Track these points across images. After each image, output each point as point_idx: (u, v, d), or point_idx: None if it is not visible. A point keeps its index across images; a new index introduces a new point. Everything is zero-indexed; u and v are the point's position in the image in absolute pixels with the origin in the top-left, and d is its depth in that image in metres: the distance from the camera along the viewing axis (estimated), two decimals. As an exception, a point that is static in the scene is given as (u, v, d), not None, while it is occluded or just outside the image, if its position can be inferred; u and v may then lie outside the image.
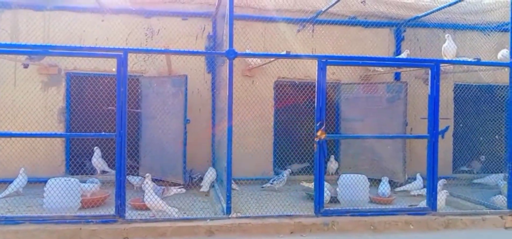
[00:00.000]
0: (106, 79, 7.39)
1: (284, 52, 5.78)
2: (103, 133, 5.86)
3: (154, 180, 6.79)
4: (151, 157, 7.56)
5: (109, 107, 6.86)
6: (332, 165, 8.19)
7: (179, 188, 6.35)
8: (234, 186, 7.31)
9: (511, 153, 5.99)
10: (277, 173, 8.21)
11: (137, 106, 7.71)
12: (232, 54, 5.23)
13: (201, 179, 7.34)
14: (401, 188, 7.38)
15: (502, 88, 6.72)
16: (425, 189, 6.12)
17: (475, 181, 7.89)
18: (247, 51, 7.08)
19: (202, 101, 7.96)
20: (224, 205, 5.52)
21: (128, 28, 7.74)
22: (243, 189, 7.50)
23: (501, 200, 6.24)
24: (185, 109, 7.08)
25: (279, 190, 7.40)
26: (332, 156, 8.27)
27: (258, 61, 7.51)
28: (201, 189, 7.08)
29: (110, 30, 7.64)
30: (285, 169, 7.74)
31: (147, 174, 5.76)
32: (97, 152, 7.38)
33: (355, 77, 8.41)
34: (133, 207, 6.00)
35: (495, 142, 7.89)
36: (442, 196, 6.04)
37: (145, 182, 6.48)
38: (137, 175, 7.45)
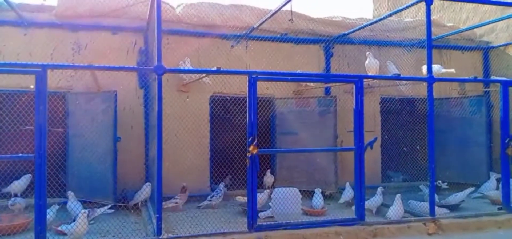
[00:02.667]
0: (30, 96, 6.95)
1: (214, 68, 5.77)
2: (21, 154, 5.44)
3: (82, 201, 6.51)
4: (79, 177, 7.19)
5: (27, 127, 6.44)
6: (268, 179, 8.28)
7: (108, 208, 6.08)
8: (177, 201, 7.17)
9: (432, 162, 6.38)
10: (213, 189, 8.15)
11: (63, 125, 7.32)
12: (160, 70, 5.13)
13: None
14: (340, 201, 7.58)
15: (423, 101, 7.17)
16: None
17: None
18: (183, 67, 7.04)
19: (135, 118, 7.72)
20: (155, 226, 5.35)
21: (53, 43, 7.37)
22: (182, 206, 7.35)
23: (424, 207, 6.61)
24: (115, 127, 6.85)
25: (217, 206, 7.31)
26: (268, 170, 8.37)
27: (192, 76, 7.46)
28: (130, 202, 6.84)
29: (33, 45, 7.24)
30: (225, 184, 7.69)
31: (70, 193, 5.47)
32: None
33: (289, 92, 8.60)
34: (58, 233, 5.62)
35: (417, 152, 8.39)
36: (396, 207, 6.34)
37: (68, 204, 6.20)
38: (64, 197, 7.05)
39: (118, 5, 7.62)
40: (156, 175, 5.36)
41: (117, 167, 6.94)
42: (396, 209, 6.35)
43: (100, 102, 6.99)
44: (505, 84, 6.77)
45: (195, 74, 7.26)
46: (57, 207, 5.99)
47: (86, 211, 5.44)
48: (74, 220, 5.36)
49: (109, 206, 6.33)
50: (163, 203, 5.84)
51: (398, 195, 6.47)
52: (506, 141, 6.62)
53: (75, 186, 7.03)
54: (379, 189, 6.99)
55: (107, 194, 6.91)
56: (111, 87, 7.23)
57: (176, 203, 7.03)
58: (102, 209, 5.99)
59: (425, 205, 6.57)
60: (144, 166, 7.72)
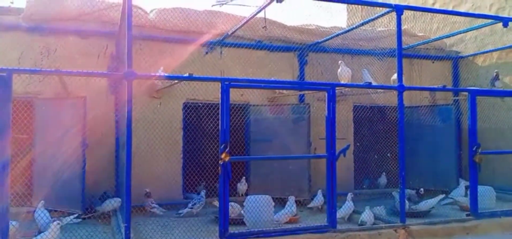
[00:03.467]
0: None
1: (187, 74, 5.71)
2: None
3: (49, 210, 6.29)
4: (46, 186, 6.94)
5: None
6: (243, 186, 8.22)
7: (74, 217, 5.90)
8: (157, 211, 7.03)
9: (402, 169, 6.47)
10: (186, 197, 8.04)
11: (29, 131, 7.09)
12: (130, 76, 5.03)
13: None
14: (309, 206, 7.62)
15: (394, 109, 7.27)
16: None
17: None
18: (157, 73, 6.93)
19: (105, 124, 7.54)
20: (124, 236, 5.21)
21: (21, 47, 7.16)
22: (153, 215, 7.20)
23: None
24: (84, 133, 6.67)
25: (199, 214, 7.18)
26: (244, 177, 8.31)
27: (165, 82, 7.35)
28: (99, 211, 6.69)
29: (-1, 48, 7.01)
30: (198, 192, 7.58)
31: (41, 202, 5.28)
32: None
33: (263, 99, 8.59)
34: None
35: (388, 159, 8.51)
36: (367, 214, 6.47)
37: (36, 214, 5.99)
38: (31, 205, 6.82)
39: (88, 9, 7.46)
40: (125, 183, 5.23)
41: (86, 175, 6.76)
42: (368, 215, 6.44)
43: (68, 108, 6.81)
44: (473, 93, 6.95)
45: (168, 81, 7.15)
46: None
47: (59, 221, 5.27)
48: (39, 232, 5.19)
49: (76, 215, 6.14)
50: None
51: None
52: (474, 149, 6.77)
53: (42, 194, 6.80)
54: (349, 195, 7.05)
55: (75, 202, 6.71)
56: (81, 93, 7.06)
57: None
58: (68, 218, 5.80)
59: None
60: (115, 173, 7.54)
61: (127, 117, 5.06)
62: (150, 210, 7.05)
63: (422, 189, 8.08)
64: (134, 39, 7.42)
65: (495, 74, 8.83)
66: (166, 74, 6.80)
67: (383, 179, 9.13)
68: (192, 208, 7.12)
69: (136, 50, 7.57)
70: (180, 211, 7.12)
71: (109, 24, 7.56)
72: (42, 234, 5.05)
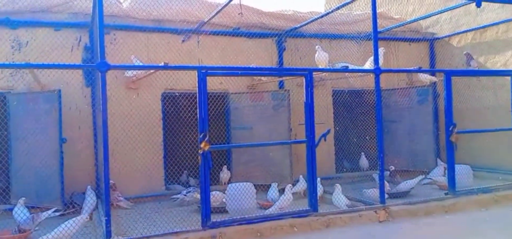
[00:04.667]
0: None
1: (162, 64, 5.61)
2: None
3: (29, 207, 6.17)
4: (24, 182, 6.81)
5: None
6: (225, 174, 8.21)
7: (53, 211, 5.79)
8: (124, 204, 6.96)
9: (381, 151, 6.54)
10: (169, 188, 8.00)
11: (3, 128, 6.91)
12: (104, 67, 4.91)
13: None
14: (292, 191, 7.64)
15: (373, 92, 7.33)
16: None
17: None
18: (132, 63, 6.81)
19: (82, 118, 7.42)
20: (104, 229, 5.15)
21: (-10, 40, 6.94)
22: (134, 207, 7.13)
23: (374, 193, 6.78)
24: (60, 127, 6.54)
25: (189, 203, 7.12)
26: (225, 166, 8.29)
27: (140, 72, 7.24)
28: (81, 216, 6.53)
29: (-33, 42, 6.78)
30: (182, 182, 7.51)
31: (22, 199, 5.16)
32: None
33: (243, 86, 8.55)
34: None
35: (366, 142, 8.60)
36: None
37: (14, 211, 5.87)
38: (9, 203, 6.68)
39: (59, 0, 7.25)
40: (103, 176, 5.15)
41: (64, 170, 6.65)
42: (338, 197, 6.66)
43: (43, 102, 6.65)
44: (448, 74, 7.04)
45: (142, 71, 7.04)
46: None
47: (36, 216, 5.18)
48: (18, 228, 5.11)
49: (55, 209, 6.02)
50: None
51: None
52: (450, 129, 6.87)
53: (21, 192, 6.65)
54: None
55: (54, 198, 6.61)
56: (56, 86, 6.90)
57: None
58: (47, 213, 5.69)
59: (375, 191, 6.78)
60: (94, 167, 7.43)
61: (102, 110, 4.96)
62: (116, 204, 6.91)
63: (392, 167, 8.18)
64: (108, 29, 7.36)
65: (465, 56, 8.99)
66: (140, 64, 6.68)
67: (364, 162, 9.24)
68: (185, 195, 7.11)
69: (110, 40, 7.44)
70: (173, 197, 7.20)
71: (82, 15, 7.38)
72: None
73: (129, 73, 7.33)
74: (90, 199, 6.64)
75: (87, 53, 7.42)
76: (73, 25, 7.34)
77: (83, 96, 7.43)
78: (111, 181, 6.91)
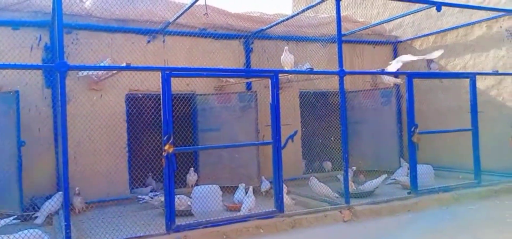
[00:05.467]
0: None
1: (124, 64, 5.49)
2: None
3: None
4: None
5: None
6: (192, 177, 8.12)
7: (13, 218, 5.56)
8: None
9: (345, 151, 6.64)
10: (134, 193, 7.83)
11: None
12: (63, 67, 4.76)
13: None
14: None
15: (338, 94, 7.45)
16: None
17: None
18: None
19: (42, 120, 7.17)
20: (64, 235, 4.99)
21: None
22: (97, 212, 6.94)
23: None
24: (18, 130, 6.29)
25: (155, 207, 6.98)
26: (192, 168, 8.21)
27: (101, 73, 7.06)
28: (35, 221, 6.31)
29: None
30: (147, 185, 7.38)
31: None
32: None
33: (210, 88, 8.50)
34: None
35: (331, 143, 8.71)
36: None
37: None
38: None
39: (17, -2, 7.00)
40: (62, 180, 4.99)
41: (23, 173, 6.40)
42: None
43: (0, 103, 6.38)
44: (410, 76, 7.23)
45: (103, 71, 6.87)
46: None
47: None
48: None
49: (13, 216, 5.79)
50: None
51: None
52: (412, 129, 7.06)
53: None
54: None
55: (12, 203, 6.36)
56: (14, 87, 6.64)
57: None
58: (4, 221, 5.45)
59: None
60: (56, 171, 7.19)
61: (61, 111, 4.80)
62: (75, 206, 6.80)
63: (354, 167, 8.33)
64: (70, 29, 7.15)
65: (425, 60, 9.27)
66: (101, 65, 6.52)
67: (327, 163, 9.36)
68: (152, 198, 6.98)
69: (72, 40, 7.24)
70: (139, 196, 7.11)
71: (41, 13, 7.13)
72: None
73: (84, 73, 7.12)
74: (48, 203, 6.41)
75: (47, 53, 7.17)
76: (32, 24, 7.08)
77: (43, 97, 7.18)
78: (76, 188, 6.77)
